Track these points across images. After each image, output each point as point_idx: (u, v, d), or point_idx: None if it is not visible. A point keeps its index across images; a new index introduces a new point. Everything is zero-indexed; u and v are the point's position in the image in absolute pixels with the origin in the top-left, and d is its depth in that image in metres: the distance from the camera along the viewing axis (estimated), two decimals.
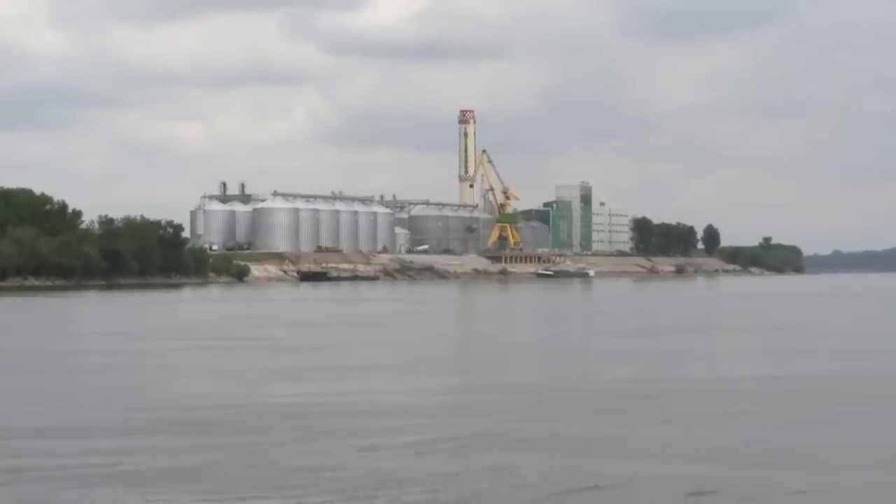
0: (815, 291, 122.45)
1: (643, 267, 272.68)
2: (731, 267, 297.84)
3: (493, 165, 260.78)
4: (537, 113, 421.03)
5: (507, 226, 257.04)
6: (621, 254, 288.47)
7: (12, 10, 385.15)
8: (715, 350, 37.33)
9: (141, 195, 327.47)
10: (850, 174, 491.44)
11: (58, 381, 27.49)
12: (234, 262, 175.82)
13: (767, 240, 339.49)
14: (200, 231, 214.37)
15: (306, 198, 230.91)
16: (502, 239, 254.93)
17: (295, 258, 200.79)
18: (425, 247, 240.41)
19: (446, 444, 17.46)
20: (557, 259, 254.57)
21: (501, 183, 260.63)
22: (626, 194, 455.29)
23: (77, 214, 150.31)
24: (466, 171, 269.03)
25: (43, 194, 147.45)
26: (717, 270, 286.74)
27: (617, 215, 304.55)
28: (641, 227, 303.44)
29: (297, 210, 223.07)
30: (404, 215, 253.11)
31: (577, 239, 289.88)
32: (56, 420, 20.16)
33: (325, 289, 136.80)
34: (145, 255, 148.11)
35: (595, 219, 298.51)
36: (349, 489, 14.11)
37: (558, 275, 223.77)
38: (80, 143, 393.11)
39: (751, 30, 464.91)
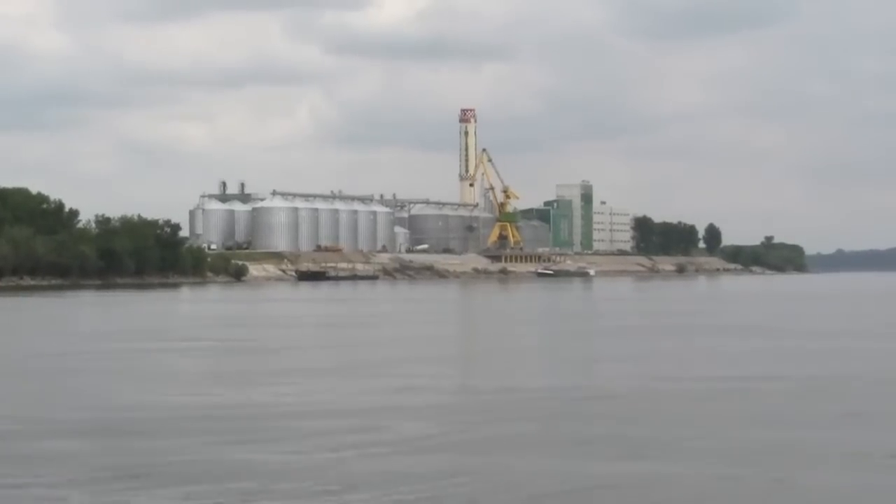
0: (810, 291, 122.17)
1: (644, 266, 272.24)
2: (732, 266, 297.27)
3: (493, 164, 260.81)
4: (540, 112, 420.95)
5: (508, 225, 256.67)
6: (622, 253, 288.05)
7: (16, 9, 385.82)
8: (681, 351, 37.14)
9: (144, 195, 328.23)
10: (854, 174, 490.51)
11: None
12: (233, 261, 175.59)
13: (769, 239, 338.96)
14: (199, 230, 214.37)
15: (305, 197, 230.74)
16: (502, 238, 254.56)
17: (294, 258, 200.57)
18: (425, 246, 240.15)
19: (353, 451, 17.24)
20: (558, 258, 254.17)
21: (501, 182, 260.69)
22: (628, 194, 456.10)
23: (74, 214, 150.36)
24: (467, 171, 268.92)
25: (39, 193, 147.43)
26: (718, 270, 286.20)
27: (618, 214, 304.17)
28: (642, 227, 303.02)
29: (296, 209, 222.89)
30: (404, 214, 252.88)
31: (577, 238, 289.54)
32: None
33: (321, 288, 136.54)
34: (142, 255, 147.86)
35: (596, 218, 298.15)
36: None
37: (558, 274, 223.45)
38: (84, 143, 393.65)
39: (753, 30, 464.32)
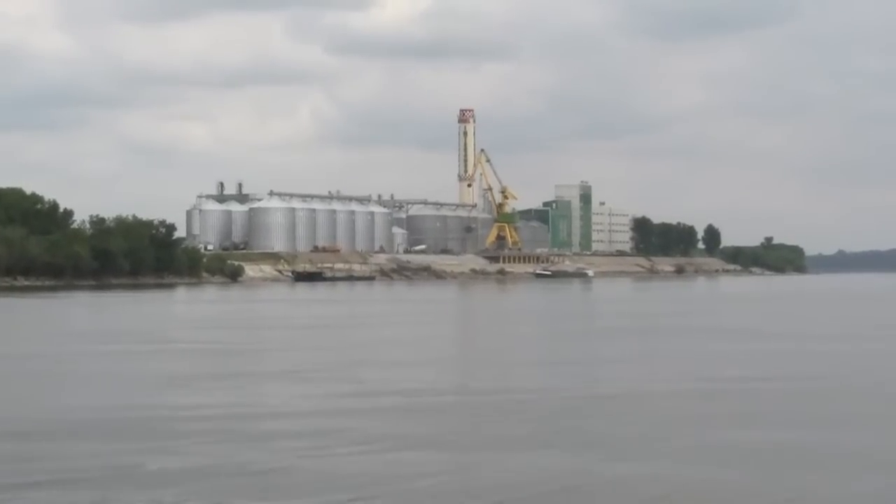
0: (805, 292, 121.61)
1: (643, 267, 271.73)
2: (731, 267, 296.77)
3: (491, 165, 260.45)
4: (541, 113, 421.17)
5: (506, 226, 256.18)
6: (621, 254, 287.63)
7: (17, 10, 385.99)
8: (649, 353, 36.58)
9: (145, 195, 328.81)
10: (855, 174, 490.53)
11: None
12: (228, 262, 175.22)
13: (769, 240, 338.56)
14: (196, 231, 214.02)
15: (303, 197, 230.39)
16: (500, 239, 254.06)
17: (291, 258, 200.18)
18: (423, 247, 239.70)
19: (252, 454, 16.80)
20: (556, 259, 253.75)
21: (500, 182, 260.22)
22: (627, 194, 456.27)
23: (68, 214, 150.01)
24: (466, 171, 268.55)
25: (34, 194, 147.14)
26: (717, 270, 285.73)
27: (617, 215, 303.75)
28: (641, 227, 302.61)
29: (293, 210, 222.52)
30: (402, 215, 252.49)
31: (576, 239, 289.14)
32: None
33: (316, 289, 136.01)
34: (137, 255, 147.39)
35: (595, 218, 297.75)
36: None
37: (557, 275, 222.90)
38: (86, 143, 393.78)
39: (754, 30, 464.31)
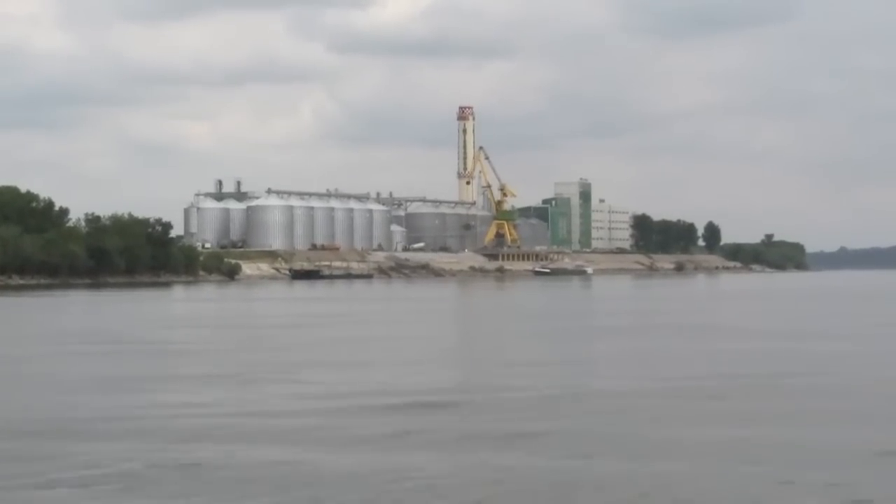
0: (800, 289, 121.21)
1: (642, 264, 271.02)
2: (731, 264, 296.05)
3: (490, 162, 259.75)
4: (542, 111, 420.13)
5: (505, 223, 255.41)
6: (621, 251, 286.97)
7: (19, 9, 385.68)
8: (611, 354, 36.09)
9: (147, 194, 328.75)
10: (857, 171, 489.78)
11: None
12: (226, 260, 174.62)
13: (769, 237, 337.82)
14: (194, 229, 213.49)
15: (301, 195, 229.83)
16: (499, 236, 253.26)
17: (289, 256, 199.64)
18: (421, 244, 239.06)
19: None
20: (555, 257, 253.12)
21: (498, 180, 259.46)
22: (629, 192, 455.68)
23: (64, 212, 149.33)
24: (465, 169, 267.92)
25: (29, 192, 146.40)
26: (717, 268, 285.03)
27: (616, 212, 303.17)
28: (641, 225, 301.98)
29: (291, 208, 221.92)
30: (401, 213, 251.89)
31: (575, 236, 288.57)
32: None
33: (311, 287, 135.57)
34: (132, 254, 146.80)
35: (595, 216, 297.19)
36: None
37: (556, 273, 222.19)
38: (87, 142, 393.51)
39: (756, 28, 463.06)
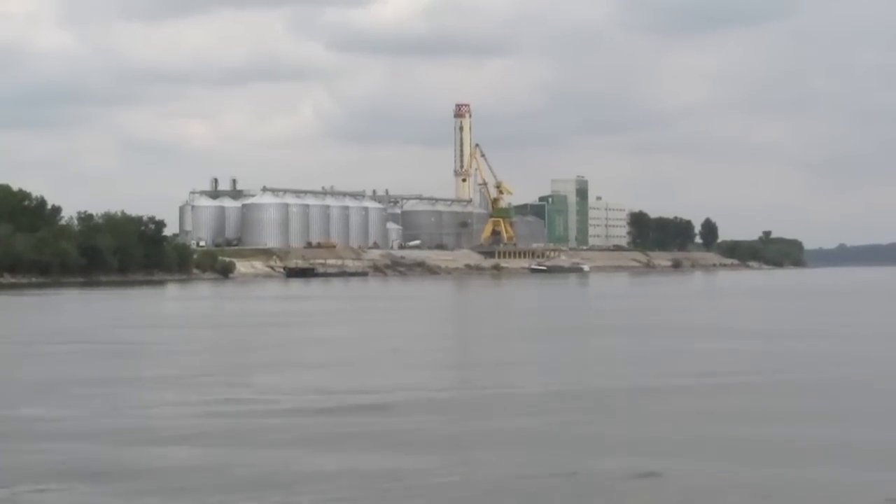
0: (791, 286, 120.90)
1: (639, 262, 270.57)
2: (729, 261, 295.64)
3: (486, 160, 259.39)
4: (541, 108, 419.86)
5: (501, 221, 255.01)
6: (618, 248, 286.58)
7: (18, 8, 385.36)
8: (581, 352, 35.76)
9: (146, 193, 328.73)
10: (856, 168, 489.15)
11: None
12: (220, 258, 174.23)
13: (767, 234, 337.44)
14: (189, 227, 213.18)
15: (296, 193, 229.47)
16: (496, 234, 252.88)
17: (283, 254, 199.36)
18: (417, 242, 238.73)
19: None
20: (552, 254, 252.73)
21: (494, 177, 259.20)
22: (628, 190, 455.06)
23: (56, 210, 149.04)
24: (461, 166, 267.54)
25: (21, 190, 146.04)
26: (714, 265, 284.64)
27: (613, 210, 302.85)
28: (638, 222, 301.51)
29: (286, 206, 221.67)
30: (397, 210, 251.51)
31: (572, 234, 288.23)
32: None
33: (304, 285, 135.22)
34: (125, 252, 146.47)
35: (592, 213, 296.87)
36: None
37: (552, 270, 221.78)
38: (87, 141, 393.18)
39: (754, 25, 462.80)
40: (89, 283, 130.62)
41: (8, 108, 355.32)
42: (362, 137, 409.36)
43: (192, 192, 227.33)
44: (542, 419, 20.32)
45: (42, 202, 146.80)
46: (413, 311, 68.44)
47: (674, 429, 18.93)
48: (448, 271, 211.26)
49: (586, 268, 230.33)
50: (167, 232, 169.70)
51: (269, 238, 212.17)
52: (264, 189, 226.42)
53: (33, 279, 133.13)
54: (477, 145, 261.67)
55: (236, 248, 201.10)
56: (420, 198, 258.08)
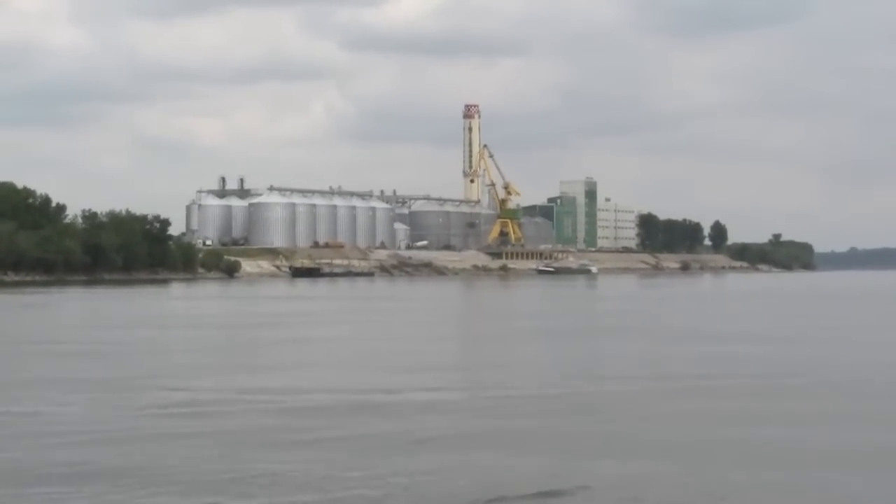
0: (793, 290, 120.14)
1: (648, 264, 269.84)
2: (738, 264, 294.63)
3: (494, 160, 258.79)
4: (552, 109, 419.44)
5: (509, 222, 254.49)
6: (626, 250, 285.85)
7: (31, 5, 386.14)
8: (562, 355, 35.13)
9: (158, 191, 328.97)
10: (869, 171, 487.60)
11: None
12: (225, 257, 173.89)
13: (777, 237, 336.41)
14: (195, 226, 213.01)
15: (303, 193, 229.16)
16: (503, 235, 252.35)
17: (290, 254, 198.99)
18: (424, 242, 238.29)
19: None
20: (559, 255, 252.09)
21: (503, 178, 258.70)
22: (639, 192, 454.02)
23: (61, 209, 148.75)
24: (470, 167, 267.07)
25: (25, 188, 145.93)
26: (723, 267, 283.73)
27: (622, 211, 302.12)
28: (647, 224, 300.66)
29: (293, 205, 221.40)
30: (405, 211, 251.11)
31: (581, 235, 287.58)
32: None
33: (309, 285, 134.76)
34: (129, 251, 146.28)
35: (601, 215, 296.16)
36: None
37: (560, 271, 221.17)
38: (99, 139, 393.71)
39: (766, 27, 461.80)
40: (93, 282, 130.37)
41: (21, 105, 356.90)
42: (373, 137, 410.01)
43: (199, 191, 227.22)
44: (482, 423, 19.90)
45: (46, 200, 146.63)
46: (410, 311, 67.83)
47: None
48: (455, 272, 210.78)
49: (594, 269, 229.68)
50: (175, 231, 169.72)
51: (276, 238, 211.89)
52: (271, 188, 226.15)
53: (37, 277, 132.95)
54: (485, 146, 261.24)
55: (243, 247, 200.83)
56: (428, 198, 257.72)
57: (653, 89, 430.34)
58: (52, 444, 17.66)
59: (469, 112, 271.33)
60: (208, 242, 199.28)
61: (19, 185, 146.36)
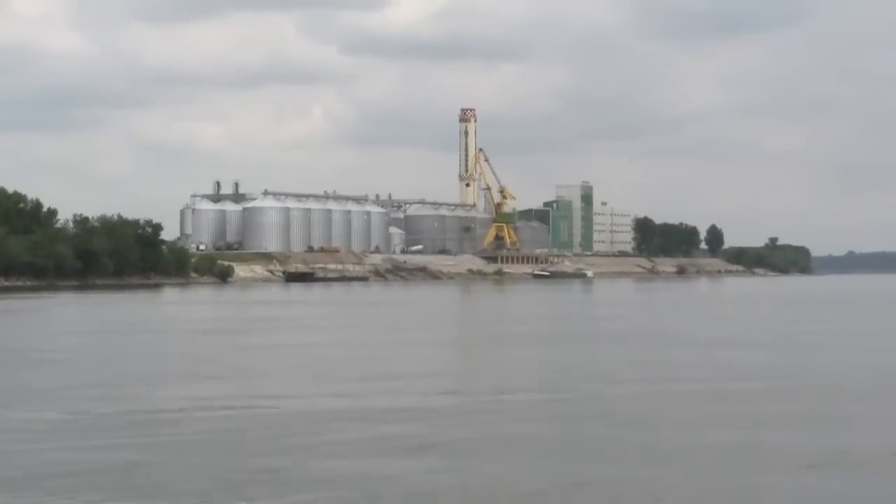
0: (783, 294, 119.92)
1: (643, 268, 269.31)
2: (734, 268, 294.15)
3: (489, 164, 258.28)
4: (553, 113, 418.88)
5: (504, 226, 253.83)
6: (622, 254, 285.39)
7: (32, 9, 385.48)
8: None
9: (158, 196, 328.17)
10: (867, 175, 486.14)
11: None
12: (218, 262, 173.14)
13: (773, 240, 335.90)
14: (189, 231, 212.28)
15: (298, 197, 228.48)
16: (499, 239, 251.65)
17: (284, 258, 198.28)
18: (420, 247, 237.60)
19: None
20: (555, 259, 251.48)
21: (498, 182, 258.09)
22: (637, 196, 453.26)
23: (52, 213, 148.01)
24: (466, 171, 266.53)
25: (16, 192, 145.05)
26: (719, 271, 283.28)
27: (618, 215, 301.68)
28: (643, 228, 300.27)
29: (287, 209, 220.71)
30: (400, 215, 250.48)
31: (577, 239, 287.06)
32: None
33: (301, 289, 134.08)
34: (121, 255, 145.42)
35: (597, 219, 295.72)
36: None
37: (555, 276, 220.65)
38: (99, 143, 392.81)
39: (768, 31, 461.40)
40: (84, 287, 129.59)
41: (21, 109, 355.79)
42: (373, 141, 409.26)
43: (194, 196, 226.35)
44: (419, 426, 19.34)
45: (38, 205, 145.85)
46: (396, 317, 67.18)
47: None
48: (450, 276, 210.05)
49: (590, 273, 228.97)
50: (170, 236, 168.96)
51: (270, 242, 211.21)
52: (266, 193, 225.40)
53: (27, 282, 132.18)
54: (481, 150, 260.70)
55: (237, 251, 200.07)
56: (423, 202, 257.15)
57: (650, 93, 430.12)
58: None
59: (465, 116, 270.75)
60: (202, 247, 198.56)
61: (21, 190, 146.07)
